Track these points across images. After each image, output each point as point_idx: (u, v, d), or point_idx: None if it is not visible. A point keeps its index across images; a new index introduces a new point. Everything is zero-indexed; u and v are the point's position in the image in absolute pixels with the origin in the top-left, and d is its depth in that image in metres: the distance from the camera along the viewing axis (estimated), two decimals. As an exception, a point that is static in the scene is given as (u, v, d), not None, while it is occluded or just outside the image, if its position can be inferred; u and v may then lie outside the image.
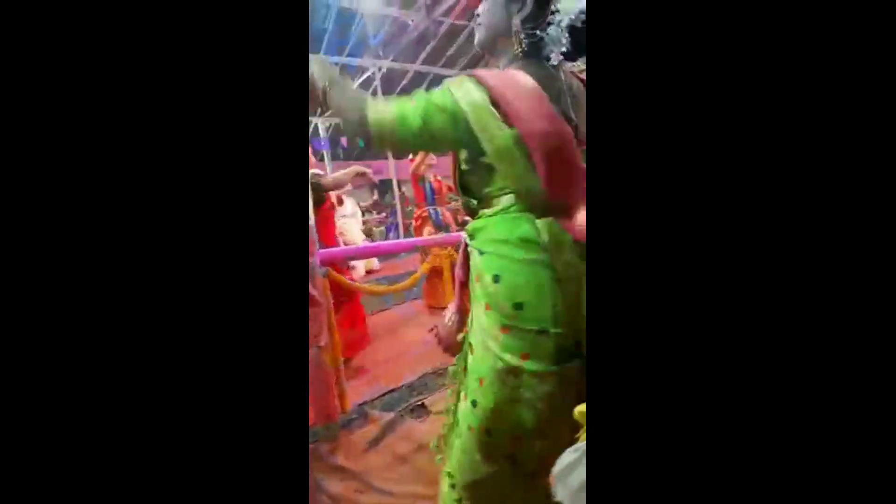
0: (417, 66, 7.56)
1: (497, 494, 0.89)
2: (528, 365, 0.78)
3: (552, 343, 0.78)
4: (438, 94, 0.77)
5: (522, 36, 0.80)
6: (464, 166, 0.85)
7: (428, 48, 7.22)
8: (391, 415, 1.82)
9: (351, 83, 0.83)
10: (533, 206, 0.78)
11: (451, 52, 7.49)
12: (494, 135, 0.73)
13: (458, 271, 0.98)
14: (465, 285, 0.95)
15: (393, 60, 7.15)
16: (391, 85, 7.67)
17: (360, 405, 1.93)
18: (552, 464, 0.61)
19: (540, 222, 0.78)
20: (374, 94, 7.02)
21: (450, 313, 1.02)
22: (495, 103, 0.74)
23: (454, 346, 0.98)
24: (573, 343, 0.79)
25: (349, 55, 6.88)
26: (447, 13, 6.41)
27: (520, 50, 0.81)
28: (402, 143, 0.78)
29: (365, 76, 7.27)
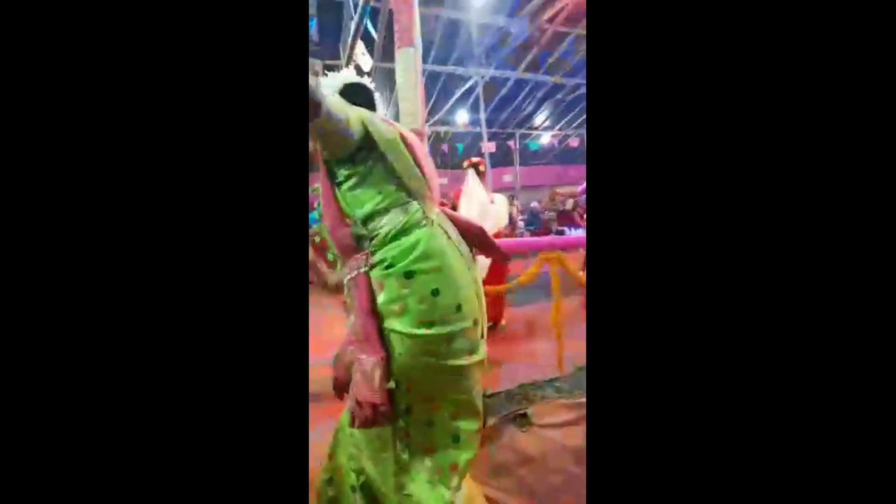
0: (519, 74, 7.56)
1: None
2: (472, 358, 0.91)
3: (479, 328, 0.94)
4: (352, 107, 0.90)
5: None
6: (346, 185, 0.91)
7: (530, 56, 7.18)
8: (493, 420, 1.76)
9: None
10: (417, 192, 0.92)
11: (552, 59, 7.39)
12: (386, 130, 0.90)
13: (362, 303, 0.89)
14: (372, 313, 0.88)
15: (496, 69, 7.21)
16: (492, 93, 7.73)
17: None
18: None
19: (433, 217, 0.93)
20: (476, 102, 7.13)
21: (370, 365, 0.85)
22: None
23: (387, 403, 0.85)
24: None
25: (454, 65, 7.07)
26: (551, 20, 6.32)
27: None
28: (345, 142, 0.87)
29: (467, 85, 7.41)
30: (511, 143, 10.03)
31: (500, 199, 3.12)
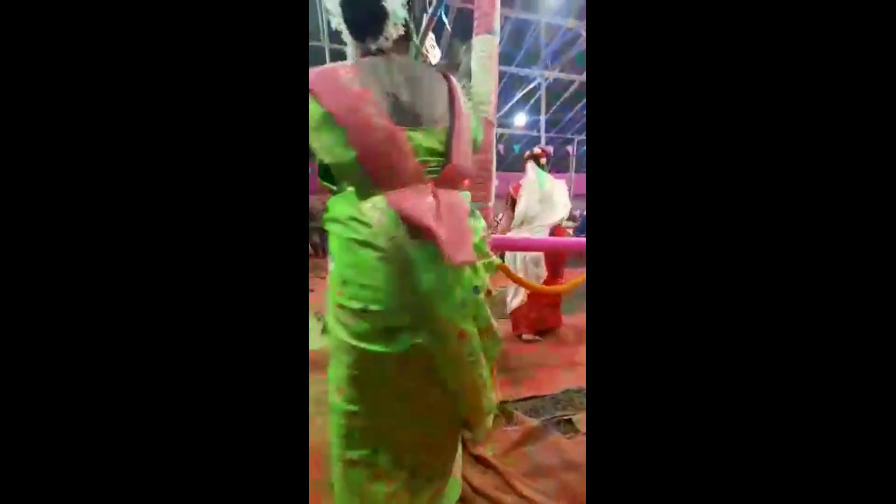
0: (583, 77, 7.38)
1: (364, 488, 0.90)
2: (357, 343, 0.82)
3: (377, 322, 0.81)
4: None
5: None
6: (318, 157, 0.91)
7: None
8: (536, 422, 1.74)
9: None
10: (352, 179, 0.83)
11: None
12: (311, 112, 0.80)
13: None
14: None
15: (560, 71, 7.08)
16: (554, 95, 7.60)
17: (501, 402, 1.90)
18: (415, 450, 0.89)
19: (367, 201, 0.81)
20: (536, 104, 7.04)
21: None
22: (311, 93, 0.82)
23: None
24: (405, 323, 0.82)
25: (518, 65, 7.00)
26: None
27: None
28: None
29: (530, 86, 7.33)
30: (570, 148, 9.83)
31: (561, 188, 2.90)
